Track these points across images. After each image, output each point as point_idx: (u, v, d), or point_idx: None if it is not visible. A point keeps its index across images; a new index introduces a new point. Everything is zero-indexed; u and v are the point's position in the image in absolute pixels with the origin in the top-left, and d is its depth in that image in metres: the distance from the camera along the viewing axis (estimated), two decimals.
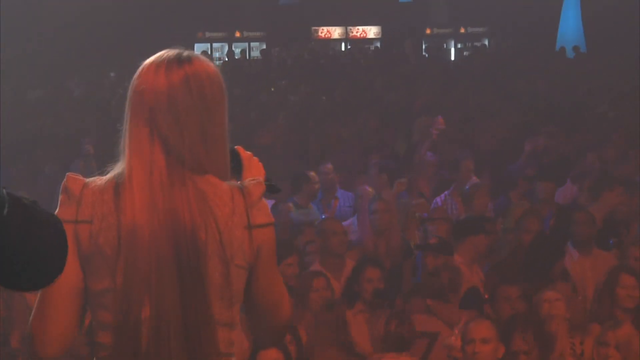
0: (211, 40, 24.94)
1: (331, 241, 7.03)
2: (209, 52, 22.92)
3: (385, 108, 13.67)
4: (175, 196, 2.53)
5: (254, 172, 2.70)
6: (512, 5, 23.46)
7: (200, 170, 2.57)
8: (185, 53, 2.63)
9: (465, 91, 14.82)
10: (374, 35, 25.69)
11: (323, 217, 8.25)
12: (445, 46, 25.14)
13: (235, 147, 2.72)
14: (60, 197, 2.55)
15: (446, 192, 9.02)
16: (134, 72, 2.61)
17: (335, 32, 25.69)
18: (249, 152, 2.76)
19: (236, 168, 2.69)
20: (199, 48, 23.74)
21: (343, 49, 24.67)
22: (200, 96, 2.57)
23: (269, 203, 3.26)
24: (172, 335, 2.46)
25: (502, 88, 15.54)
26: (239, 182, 2.62)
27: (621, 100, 13.62)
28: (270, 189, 2.70)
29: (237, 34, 25.00)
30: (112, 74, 16.67)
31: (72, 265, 2.47)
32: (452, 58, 24.62)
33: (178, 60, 2.59)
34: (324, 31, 25.58)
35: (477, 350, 5.15)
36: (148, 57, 2.64)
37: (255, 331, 2.82)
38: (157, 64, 2.59)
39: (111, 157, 2.58)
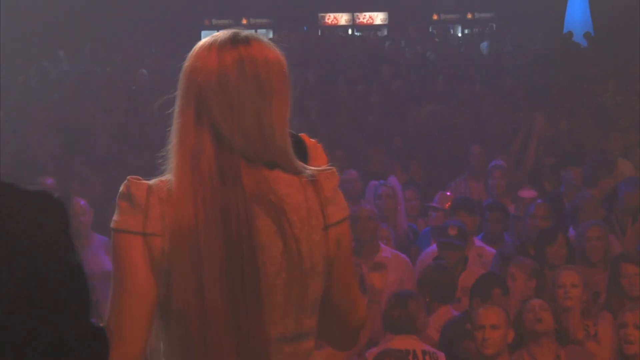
0: (217, 27, 24.84)
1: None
2: None
3: (392, 95, 13.63)
4: (227, 192, 2.29)
5: (320, 161, 2.51)
6: None
7: (259, 161, 2.34)
8: (244, 33, 2.41)
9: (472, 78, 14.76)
10: (381, 21, 25.57)
11: None
12: (452, 32, 25.01)
13: (300, 134, 2.54)
14: (120, 203, 2.31)
15: (460, 178, 9.04)
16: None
17: (342, 18, 25.59)
18: (313, 140, 2.58)
19: (301, 157, 2.47)
20: (205, 35, 23.57)
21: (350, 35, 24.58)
22: (255, 80, 2.34)
23: None
24: (226, 354, 2.26)
25: (508, 74, 15.47)
26: (309, 173, 2.40)
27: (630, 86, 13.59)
28: None
29: (244, 21, 24.91)
30: (119, 59, 16.62)
31: (147, 279, 2.27)
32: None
33: (232, 40, 2.38)
34: (330, 17, 25.48)
35: (487, 337, 5.15)
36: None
37: (329, 336, 2.55)
38: (210, 43, 2.38)
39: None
